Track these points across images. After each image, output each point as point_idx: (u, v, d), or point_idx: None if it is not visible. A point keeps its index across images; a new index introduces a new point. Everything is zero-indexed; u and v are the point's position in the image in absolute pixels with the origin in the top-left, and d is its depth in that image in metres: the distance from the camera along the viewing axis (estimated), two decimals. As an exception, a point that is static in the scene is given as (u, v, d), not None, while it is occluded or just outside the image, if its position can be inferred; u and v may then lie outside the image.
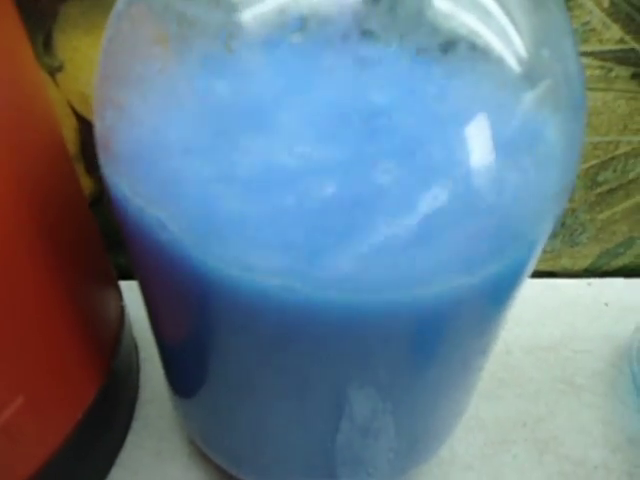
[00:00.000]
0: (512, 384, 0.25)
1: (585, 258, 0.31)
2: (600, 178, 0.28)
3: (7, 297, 0.14)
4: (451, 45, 0.09)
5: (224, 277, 0.10)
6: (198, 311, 0.13)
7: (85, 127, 0.24)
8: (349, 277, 0.10)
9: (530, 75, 0.11)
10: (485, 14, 0.10)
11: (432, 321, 0.12)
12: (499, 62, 0.10)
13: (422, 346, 0.13)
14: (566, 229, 0.30)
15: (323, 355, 0.12)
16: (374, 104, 0.09)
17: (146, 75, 0.10)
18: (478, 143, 0.10)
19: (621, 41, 0.23)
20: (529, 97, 0.11)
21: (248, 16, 0.09)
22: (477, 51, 0.10)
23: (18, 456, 0.16)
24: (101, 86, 0.12)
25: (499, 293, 0.13)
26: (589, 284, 0.30)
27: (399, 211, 0.10)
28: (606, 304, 0.29)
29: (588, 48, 0.23)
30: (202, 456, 0.21)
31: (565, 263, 0.31)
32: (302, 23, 0.09)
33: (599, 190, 0.28)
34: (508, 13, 0.10)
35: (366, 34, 0.09)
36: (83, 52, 0.21)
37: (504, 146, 0.10)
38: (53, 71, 0.22)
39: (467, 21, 0.09)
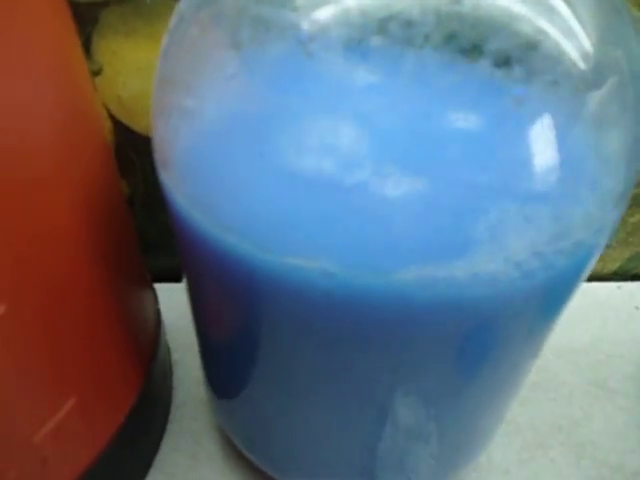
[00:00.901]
0: (546, 388, 0.24)
1: (614, 261, 0.31)
2: (632, 181, 0.27)
3: (64, 301, 0.14)
4: (530, 47, 0.09)
5: (281, 268, 0.10)
6: (247, 305, 0.12)
7: (119, 130, 0.24)
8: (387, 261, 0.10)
9: (598, 75, 0.11)
10: (557, 17, 0.10)
11: (483, 315, 0.11)
12: (570, 63, 0.10)
13: (472, 345, 0.12)
14: (595, 232, 0.30)
15: (370, 352, 0.12)
16: (455, 107, 0.09)
17: (217, 80, 0.10)
18: (549, 145, 0.10)
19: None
20: (597, 96, 0.11)
21: (328, 18, 0.09)
22: (551, 53, 0.10)
23: (67, 458, 0.16)
24: (163, 90, 0.12)
25: (554, 295, 0.13)
26: (619, 287, 0.30)
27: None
28: (637, 307, 0.29)
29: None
30: (237, 458, 0.21)
31: (594, 266, 0.31)
32: (383, 25, 0.09)
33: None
34: (577, 15, 0.10)
35: (448, 36, 0.09)
36: (121, 56, 0.22)
37: (572, 147, 0.10)
38: (92, 75, 0.22)
39: (543, 24, 0.09)
